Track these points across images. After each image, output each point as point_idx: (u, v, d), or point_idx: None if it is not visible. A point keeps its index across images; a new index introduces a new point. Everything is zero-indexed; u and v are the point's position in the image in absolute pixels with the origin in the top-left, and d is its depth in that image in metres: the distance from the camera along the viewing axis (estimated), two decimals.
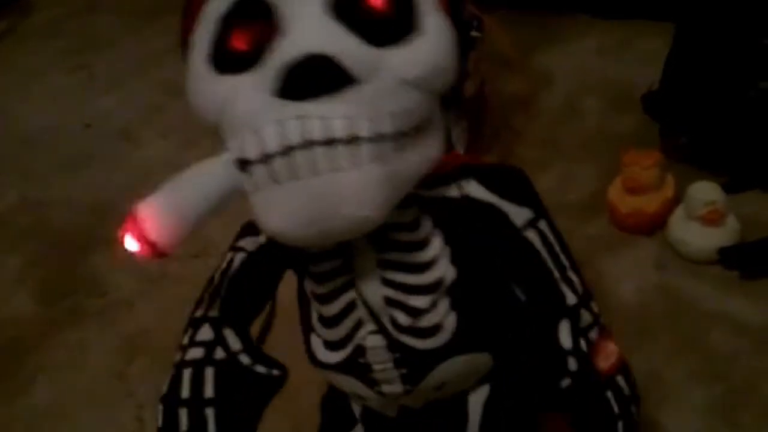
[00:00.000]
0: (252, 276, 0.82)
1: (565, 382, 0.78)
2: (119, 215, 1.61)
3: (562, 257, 0.80)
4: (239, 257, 0.82)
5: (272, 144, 0.63)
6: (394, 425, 0.86)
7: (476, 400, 0.86)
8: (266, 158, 0.63)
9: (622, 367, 0.81)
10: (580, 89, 1.81)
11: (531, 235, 0.78)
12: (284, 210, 0.64)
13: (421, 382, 0.80)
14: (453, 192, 0.77)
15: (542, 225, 0.79)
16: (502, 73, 1.65)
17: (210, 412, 0.75)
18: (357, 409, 0.89)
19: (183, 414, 0.75)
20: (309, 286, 0.80)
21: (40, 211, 1.68)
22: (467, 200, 0.77)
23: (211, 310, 0.80)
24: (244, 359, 0.79)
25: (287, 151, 0.62)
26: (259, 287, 0.83)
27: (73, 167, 1.78)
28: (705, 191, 1.34)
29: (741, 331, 1.26)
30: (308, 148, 0.62)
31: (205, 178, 0.67)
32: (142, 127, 1.87)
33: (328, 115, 0.63)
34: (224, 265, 0.82)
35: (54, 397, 1.29)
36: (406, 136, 0.67)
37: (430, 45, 0.67)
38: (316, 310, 0.80)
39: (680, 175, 1.45)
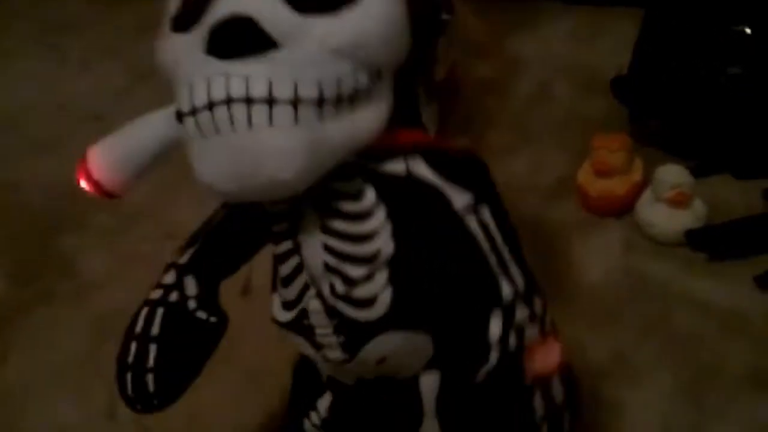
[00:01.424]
0: (231, 231, 0.86)
1: (481, 376, 0.78)
2: (91, 199, 1.61)
3: (504, 249, 0.78)
4: (223, 211, 0.85)
5: (199, 99, 0.67)
6: (358, 395, 0.87)
7: (428, 385, 0.85)
8: (194, 112, 0.68)
9: (562, 372, 0.81)
10: (550, 74, 1.82)
11: (471, 222, 0.77)
12: (210, 163, 0.69)
13: (359, 352, 0.80)
14: (399, 168, 0.77)
15: (484, 211, 0.77)
16: (473, 57, 1.66)
17: (152, 348, 0.81)
18: (324, 374, 0.90)
19: (132, 347, 0.81)
20: (272, 246, 0.82)
21: (11, 192, 1.68)
22: (411, 178, 0.77)
23: (181, 258, 0.85)
24: (191, 304, 0.83)
25: (210, 106, 0.67)
26: (237, 244, 0.87)
27: (45, 149, 1.77)
28: (672, 174, 1.36)
29: (707, 313, 1.27)
30: (229, 104, 0.66)
31: (149, 127, 0.74)
32: (114, 110, 1.85)
33: (249, 74, 0.66)
34: (209, 217, 0.86)
35: (24, 377, 1.29)
36: (335, 104, 0.69)
37: (360, 16, 0.69)
38: (277, 269, 0.82)
39: (649, 159, 1.46)
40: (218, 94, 0.67)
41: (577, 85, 1.76)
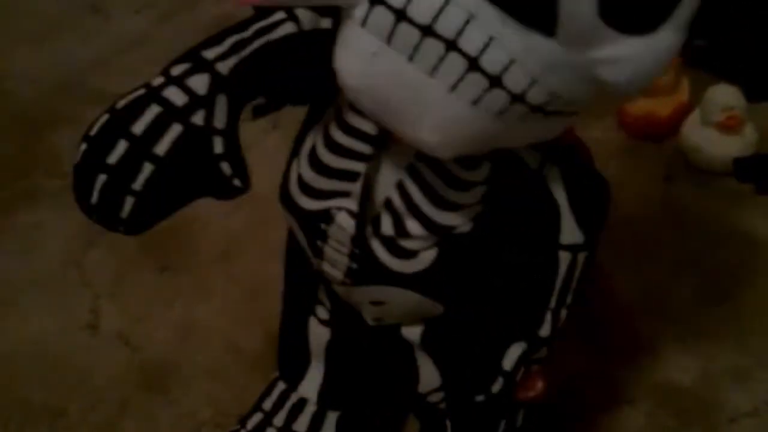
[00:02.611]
0: (289, 58, 0.66)
1: (480, 398, 0.76)
2: (85, 93, 1.50)
3: (569, 294, 0.74)
4: (287, 26, 0.66)
5: (420, 13, 0.52)
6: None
7: (411, 334, 0.79)
8: (402, 16, 0.52)
9: (532, 403, 0.79)
10: None
11: (563, 257, 0.71)
12: (366, 65, 0.54)
13: (362, 286, 0.72)
14: (532, 160, 0.67)
15: (580, 257, 0.72)
16: None
17: (147, 168, 0.61)
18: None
19: (121, 145, 0.60)
20: (329, 125, 0.68)
21: (0, 83, 1.56)
22: (539, 180, 0.68)
23: (221, 62, 0.64)
24: (218, 145, 0.63)
25: (428, 30, 0.51)
26: (290, 74, 0.68)
27: (37, 39, 1.65)
28: (725, 95, 1.25)
29: (753, 249, 1.18)
30: (450, 48, 0.52)
31: None
32: (114, 1, 1.73)
33: (496, 36, 0.52)
34: (265, 23, 0.66)
35: (3, 281, 1.19)
36: (539, 113, 0.56)
37: (649, 59, 0.55)
38: (315, 145, 0.69)
39: (694, 82, 1.35)
40: (448, 29, 0.51)
41: None
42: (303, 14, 0.66)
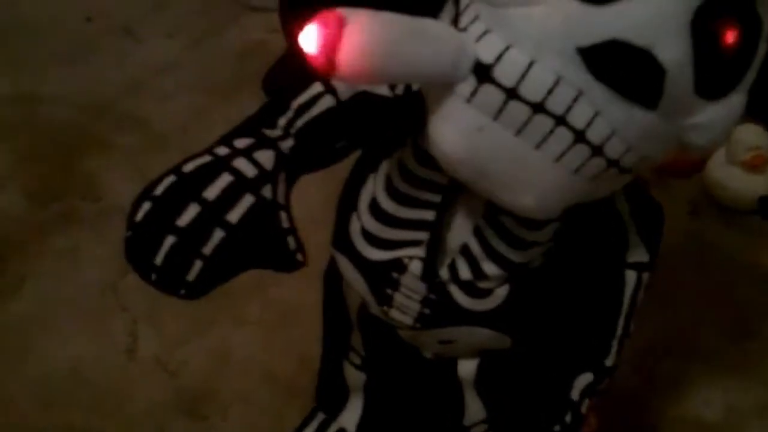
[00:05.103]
0: (329, 131, 0.68)
1: (557, 429, 0.77)
2: (118, 117, 1.52)
3: (631, 320, 0.76)
4: (327, 100, 0.68)
5: (531, 92, 0.52)
6: (391, 340, 0.80)
7: (466, 369, 0.80)
8: (512, 95, 0.53)
9: None
10: None
11: (630, 276, 0.74)
12: (471, 139, 0.55)
13: (433, 329, 0.73)
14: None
15: (644, 277, 0.75)
16: None
17: (218, 234, 0.61)
18: (353, 306, 0.83)
19: (192, 209, 0.61)
20: (393, 176, 0.69)
21: (33, 105, 1.57)
22: (608, 201, 0.70)
23: (282, 142, 0.66)
24: (284, 221, 0.64)
25: (538, 108, 0.53)
26: (335, 145, 0.70)
27: (71, 62, 1.67)
28: (750, 134, 1.27)
29: None
30: (559, 123, 0.53)
31: (433, 43, 0.53)
32: (146, 24, 1.75)
33: (602, 110, 0.53)
34: (305, 98, 0.68)
35: (40, 307, 1.21)
36: (627, 173, 0.58)
37: (727, 120, 0.58)
38: (376, 197, 0.70)
39: None
40: (558, 105, 0.52)
41: None
42: (340, 85, 0.67)
